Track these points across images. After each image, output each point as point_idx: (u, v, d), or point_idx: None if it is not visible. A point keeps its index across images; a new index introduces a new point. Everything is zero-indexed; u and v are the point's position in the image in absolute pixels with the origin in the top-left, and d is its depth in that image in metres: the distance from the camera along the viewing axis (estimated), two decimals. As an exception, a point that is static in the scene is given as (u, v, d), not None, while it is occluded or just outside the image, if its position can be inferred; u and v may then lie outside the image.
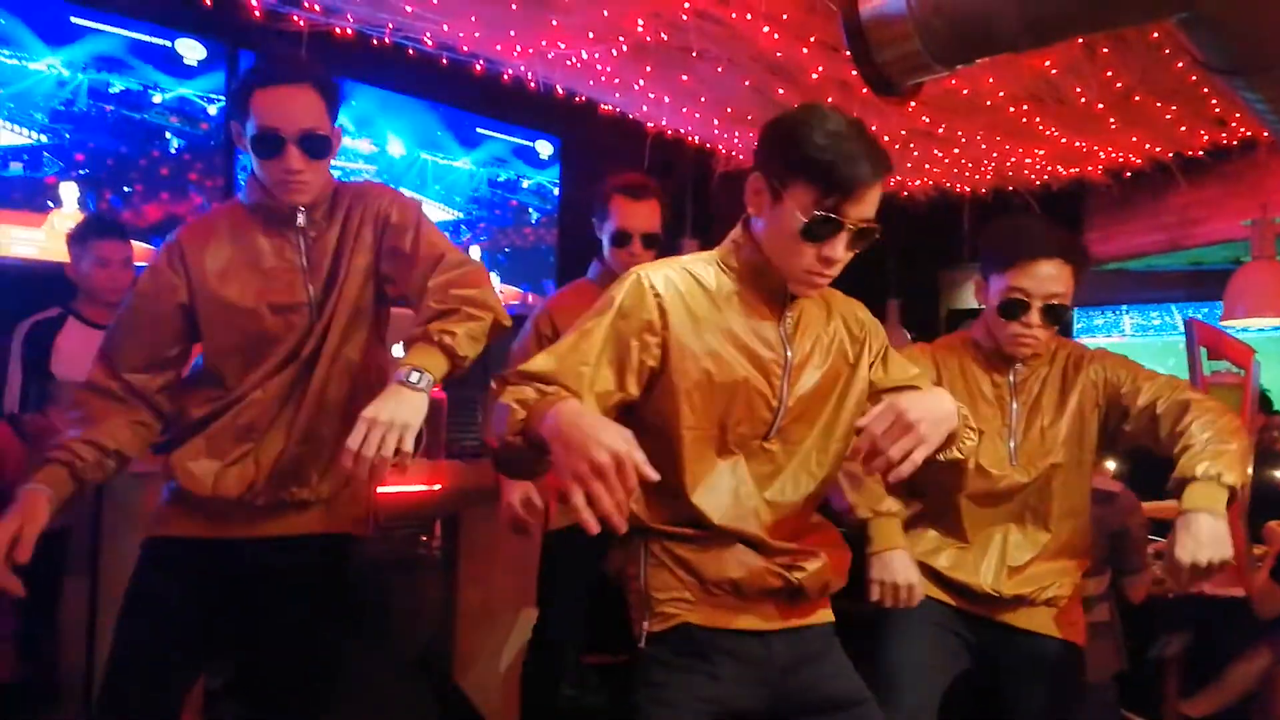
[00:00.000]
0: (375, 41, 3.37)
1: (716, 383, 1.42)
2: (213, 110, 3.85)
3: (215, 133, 3.86)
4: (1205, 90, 3.47)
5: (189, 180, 3.85)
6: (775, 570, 1.46)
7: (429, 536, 3.76)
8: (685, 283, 1.44)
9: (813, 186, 1.34)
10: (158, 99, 3.71)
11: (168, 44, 3.70)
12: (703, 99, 3.73)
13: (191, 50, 3.78)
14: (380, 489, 3.29)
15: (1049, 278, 1.91)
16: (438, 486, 3.44)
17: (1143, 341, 6.49)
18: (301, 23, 3.04)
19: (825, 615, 1.55)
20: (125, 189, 3.68)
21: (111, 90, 3.59)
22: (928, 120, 3.84)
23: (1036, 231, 1.96)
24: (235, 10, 3.01)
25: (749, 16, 2.89)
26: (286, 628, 1.78)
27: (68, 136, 3.50)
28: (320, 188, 1.73)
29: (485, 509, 3.62)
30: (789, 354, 1.46)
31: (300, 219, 1.73)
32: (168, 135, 3.78)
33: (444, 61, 3.56)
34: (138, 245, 3.17)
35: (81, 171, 3.55)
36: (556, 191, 5.44)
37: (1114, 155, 4.39)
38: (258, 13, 2.97)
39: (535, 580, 2.81)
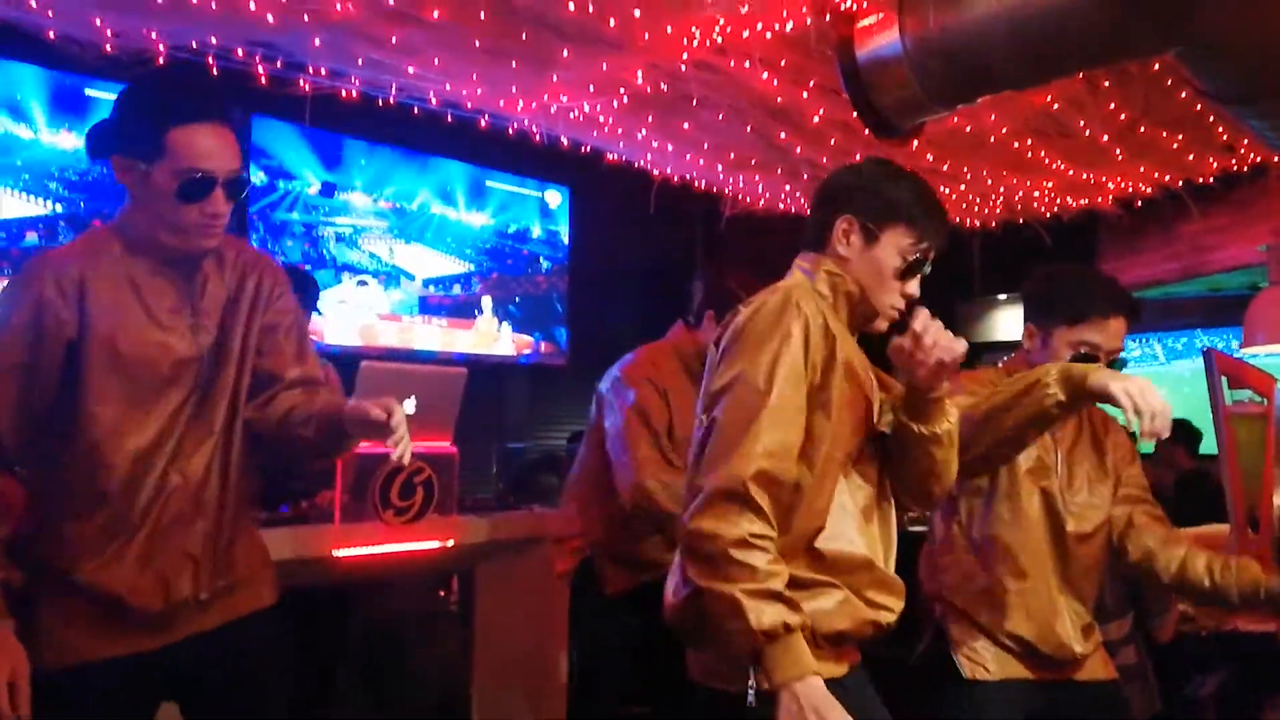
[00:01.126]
0: (380, 102, 3.43)
1: (850, 400, 1.49)
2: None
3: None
4: (1211, 118, 3.46)
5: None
6: (871, 619, 1.47)
7: (446, 591, 3.74)
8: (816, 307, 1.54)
9: (912, 232, 1.52)
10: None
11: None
12: (706, 145, 3.76)
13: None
14: (394, 546, 3.29)
15: (1117, 334, 1.94)
16: (451, 543, 3.43)
17: (1174, 369, 6.40)
18: (307, 87, 3.10)
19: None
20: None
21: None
22: (932, 158, 3.84)
23: (1107, 287, 1.98)
24: (243, 78, 3.07)
25: (747, 64, 2.92)
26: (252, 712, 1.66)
27: (83, 205, 3.57)
28: (219, 239, 1.60)
29: (501, 562, 3.61)
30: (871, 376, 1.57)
31: (205, 266, 1.60)
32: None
33: (449, 119, 3.61)
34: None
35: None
36: (566, 240, 5.48)
37: (1123, 185, 4.37)
38: (264, 79, 3.03)
39: (556, 630, 2.79)
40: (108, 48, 2.79)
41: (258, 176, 4.14)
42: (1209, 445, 4.31)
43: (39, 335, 1.49)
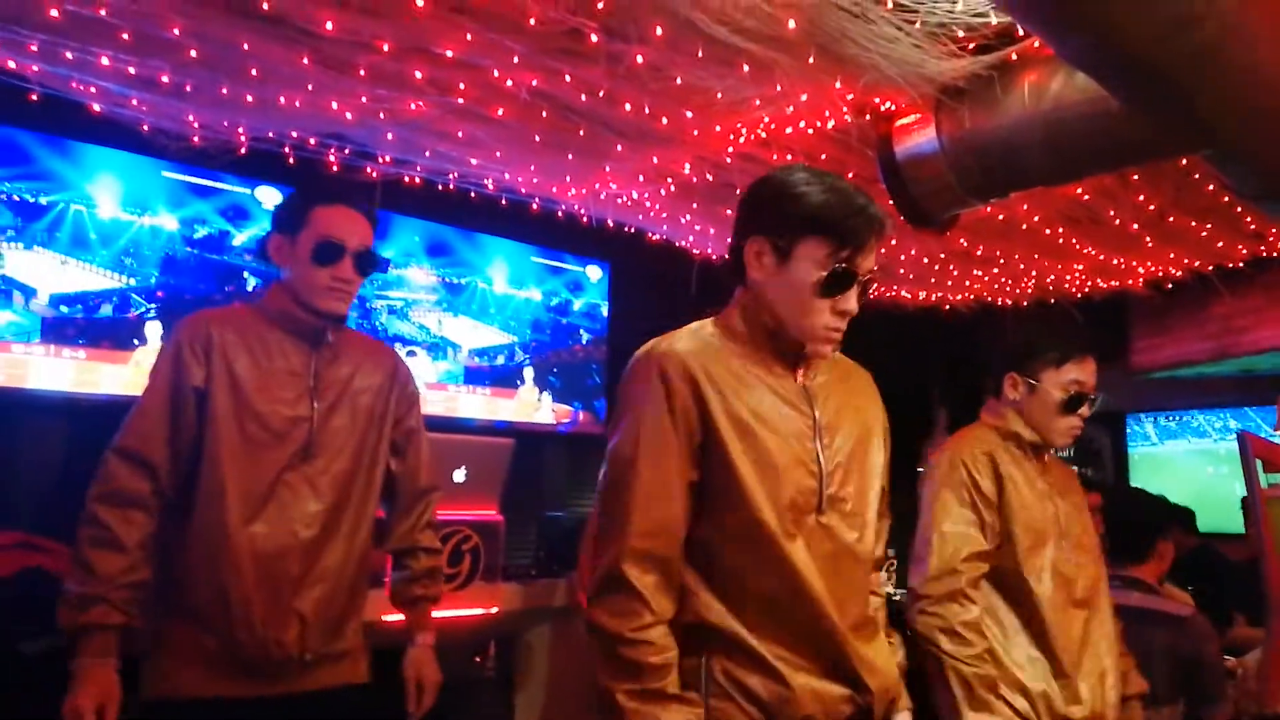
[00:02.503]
0: (440, 187, 3.62)
1: (762, 451, 1.36)
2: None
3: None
4: (1239, 208, 3.55)
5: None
6: (846, 695, 1.36)
7: (483, 657, 3.80)
8: (701, 349, 1.40)
9: (827, 242, 1.35)
10: (237, 240, 3.99)
11: (248, 191, 4.01)
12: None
13: (269, 195, 4.07)
14: (442, 613, 3.37)
15: (1094, 373, 2.05)
16: (495, 609, 3.51)
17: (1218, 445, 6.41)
18: (375, 175, 3.29)
19: None
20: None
21: (196, 236, 3.88)
22: (965, 243, 3.96)
23: (1079, 328, 2.11)
24: (314, 165, 3.27)
25: (789, 157, 3.07)
26: None
27: (153, 281, 3.77)
28: (348, 306, 1.84)
29: (541, 629, 3.67)
30: (815, 413, 1.42)
31: (329, 335, 1.82)
32: (245, 275, 4.06)
33: (504, 202, 3.79)
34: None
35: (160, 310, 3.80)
36: (605, 312, 5.64)
37: (1153, 270, 4.46)
38: (335, 167, 3.22)
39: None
40: (195, 139, 3.00)
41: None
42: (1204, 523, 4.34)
43: (175, 383, 1.72)
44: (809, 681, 1.34)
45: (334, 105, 2.70)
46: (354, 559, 1.80)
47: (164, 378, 1.72)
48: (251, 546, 1.67)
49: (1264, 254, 4.22)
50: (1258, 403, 5.69)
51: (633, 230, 4.32)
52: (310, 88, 2.56)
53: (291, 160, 3.16)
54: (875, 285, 1.43)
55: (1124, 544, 2.73)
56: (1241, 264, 4.35)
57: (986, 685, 1.88)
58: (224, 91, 2.60)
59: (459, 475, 3.59)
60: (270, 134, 3.11)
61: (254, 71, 2.49)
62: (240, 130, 2.97)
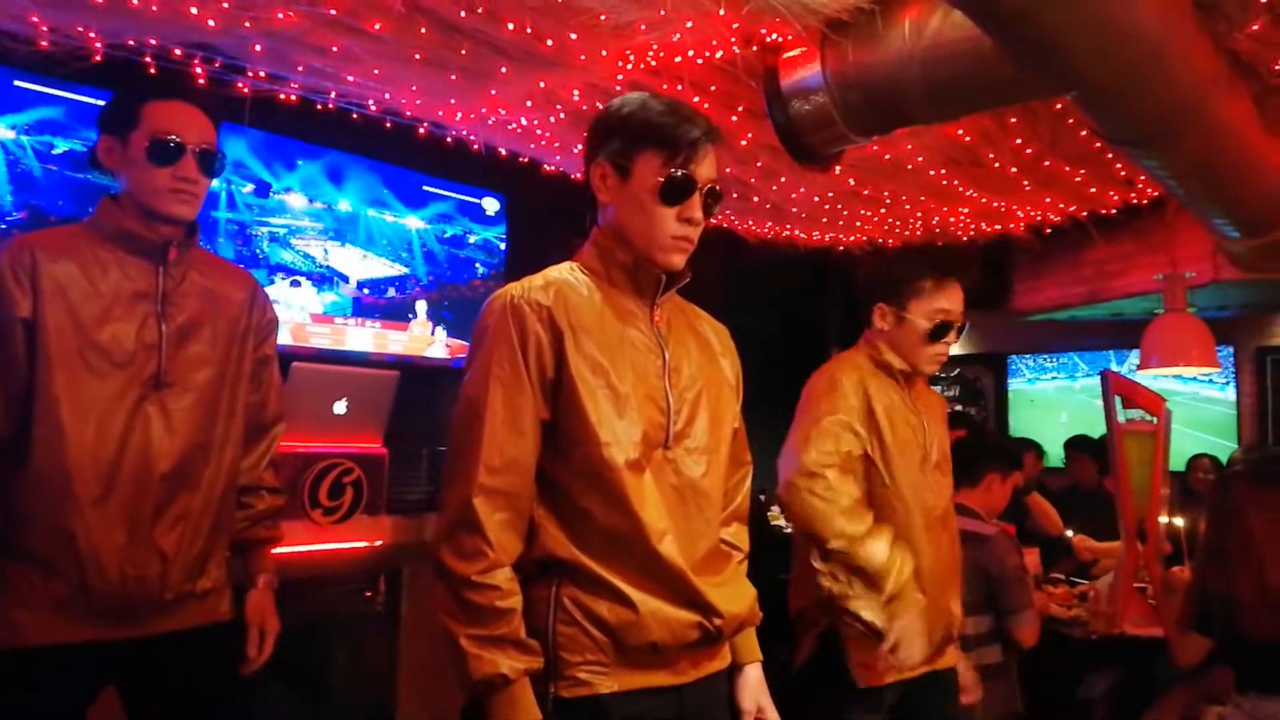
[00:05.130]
0: (319, 106, 3.46)
1: (613, 388, 1.39)
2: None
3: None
4: (1110, 155, 3.69)
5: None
6: (695, 621, 1.40)
7: (373, 592, 3.78)
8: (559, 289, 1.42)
9: (661, 151, 1.39)
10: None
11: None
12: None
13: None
14: (322, 546, 3.31)
15: (960, 300, 2.10)
16: (379, 542, 3.47)
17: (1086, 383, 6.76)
18: (247, 90, 3.12)
19: (727, 657, 1.51)
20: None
21: (55, 152, 3.63)
22: (854, 182, 4.01)
23: (940, 255, 2.14)
24: (182, 79, 3.07)
25: (679, 87, 3.03)
26: None
27: (8, 201, 3.52)
28: (195, 210, 1.71)
29: (428, 563, 3.64)
30: (666, 354, 1.46)
31: (171, 252, 1.68)
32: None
33: (388, 125, 3.65)
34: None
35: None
36: (503, 247, 5.54)
37: (1033, 214, 4.61)
38: (203, 80, 3.04)
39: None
40: (43, 43, 2.78)
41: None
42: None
43: (2, 318, 1.56)
44: (658, 607, 1.37)
45: (193, 10, 2.53)
46: (217, 493, 1.72)
47: None
48: (100, 486, 1.56)
49: (1135, 201, 4.40)
50: (1127, 346, 6.00)
51: (528, 161, 4.23)
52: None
53: (154, 71, 2.96)
54: (720, 200, 1.46)
55: (958, 471, 2.88)
56: (1114, 210, 4.53)
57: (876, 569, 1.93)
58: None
59: (340, 407, 3.51)
60: (130, 41, 2.90)
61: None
62: (92, 35, 2.76)
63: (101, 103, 3.63)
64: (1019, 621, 2.85)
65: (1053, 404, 6.82)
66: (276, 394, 1.90)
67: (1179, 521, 3.70)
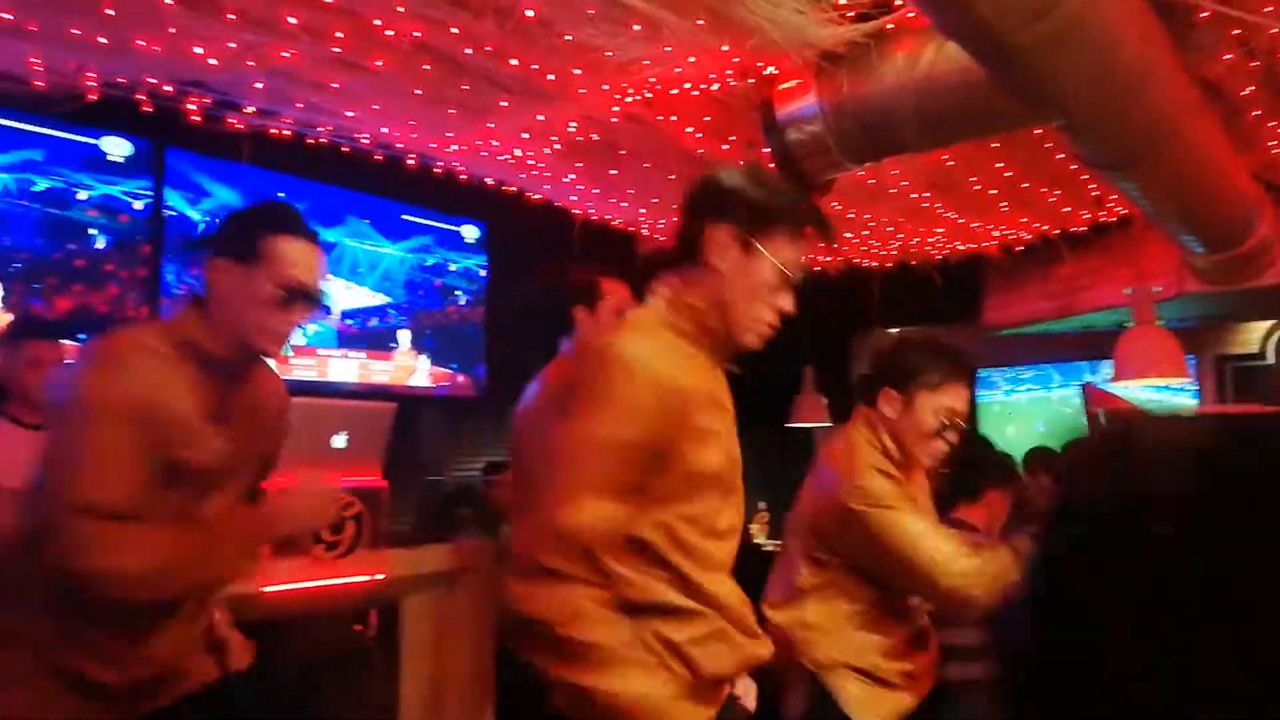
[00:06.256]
0: (310, 140, 3.46)
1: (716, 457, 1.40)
2: (138, 205, 3.85)
3: (139, 227, 3.84)
4: (1084, 177, 3.83)
5: (105, 271, 3.81)
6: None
7: (364, 626, 3.74)
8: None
9: (791, 241, 1.40)
10: (82, 196, 3.70)
11: (94, 142, 3.71)
12: (630, 191, 3.91)
13: (117, 148, 3.79)
14: (324, 581, 3.28)
15: (967, 401, 2.09)
16: (381, 576, 3.44)
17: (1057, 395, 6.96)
18: (242, 126, 3.11)
19: None
20: (36, 285, 3.62)
21: (35, 189, 3.57)
22: (839, 206, 4.10)
23: (959, 356, 2.08)
24: (172, 112, 3.05)
25: (674, 118, 3.09)
26: None
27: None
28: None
29: (424, 594, 3.63)
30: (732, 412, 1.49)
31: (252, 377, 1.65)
32: (91, 231, 3.77)
33: (378, 157, 3.66)
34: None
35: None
36: (484, 274, 5.55)
37: (1006, 233, 4.74)
38: (197, 116, 3.03)
39: (484, 661, 2.83)
40: (37, 83, 2.76)
41: (174, 206, 4.08)
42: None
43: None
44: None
45: (197, 49, 2.53)
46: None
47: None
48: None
49: (1103, 219, 4.56)
50: (1098, 357, 6.17)
51: (511, 190, 4.26)
52: (172, 30, 2.38)
53: (147, 108, 2.94)
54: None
55: (957, 486, 2.90)
56: (1084, 228, 4.68)
57: None
58: (75, 32, 2.39)
59: (339, 441, 3.48)
60: (123, 80, 2.89)
61: (109, 10, 2.29)
62: (90, 75, 2.74)
63: (85, 140, 3.61)
64: None
65: (1028, 415, 7.00)
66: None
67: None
